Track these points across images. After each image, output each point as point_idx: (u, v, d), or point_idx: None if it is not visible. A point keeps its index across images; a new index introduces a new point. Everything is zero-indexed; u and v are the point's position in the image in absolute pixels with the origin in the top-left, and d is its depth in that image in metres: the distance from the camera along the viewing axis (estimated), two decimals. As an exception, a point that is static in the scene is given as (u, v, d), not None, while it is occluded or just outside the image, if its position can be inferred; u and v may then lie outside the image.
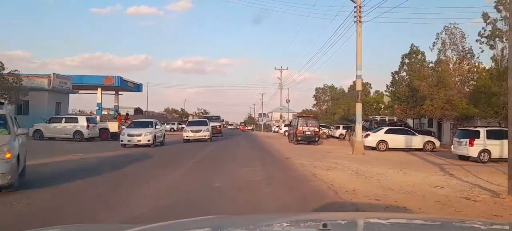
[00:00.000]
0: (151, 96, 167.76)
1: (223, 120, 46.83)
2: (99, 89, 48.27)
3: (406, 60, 34.41)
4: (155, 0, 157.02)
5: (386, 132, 26.39)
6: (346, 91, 63.50)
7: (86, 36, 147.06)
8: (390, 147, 26.06)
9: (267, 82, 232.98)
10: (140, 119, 30.50)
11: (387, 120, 29.78)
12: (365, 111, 45.32)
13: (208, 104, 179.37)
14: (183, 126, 39.90)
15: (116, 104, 53.55)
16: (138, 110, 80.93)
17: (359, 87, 23.32)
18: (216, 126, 37.32)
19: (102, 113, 47.76)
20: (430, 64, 33.06)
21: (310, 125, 31.23)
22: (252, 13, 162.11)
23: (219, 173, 12.05)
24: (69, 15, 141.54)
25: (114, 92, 53.32)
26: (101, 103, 48.69)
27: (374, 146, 25.64)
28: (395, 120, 30.04)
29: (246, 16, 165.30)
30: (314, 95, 67.79)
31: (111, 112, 54.50)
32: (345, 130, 45.72)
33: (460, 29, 28.51)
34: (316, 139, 31.18)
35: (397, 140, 26.18)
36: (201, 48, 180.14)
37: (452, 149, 20.76)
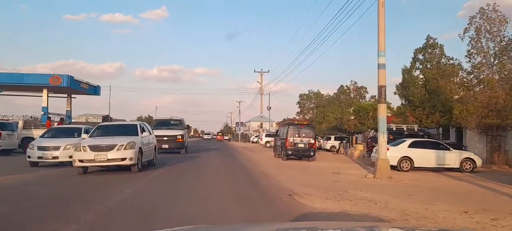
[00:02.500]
0: (125, 105, 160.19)
1: (188, 127, 31.01)
2: (44, 91, 40.01)
3: (420, 56, 27.63)
4: (130, 8, 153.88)
5: (410, 146, 19.43)
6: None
7: (60, 43, 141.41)
8: (416, 166, 19.14)
9: (244, 92, 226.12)
10: (65, 126, 22.68)
11: (405, 129, 22.85)
12: (361, 120, 38.70)
13: (184, 114, 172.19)
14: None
15: (68, 109, 45.21)
16: (106, 118, 72.54)
17: (382, 81, 16.20)
18: (174, 137, 25.26)
19: (48, 119, 39.48)
20: (452, 60, 26.41)
21: (304, 135, 24.08)
22: (229, 22, 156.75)
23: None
24: (41, 21, 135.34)
25: (66, 95, 45.11)
26: (47, 107, 40.21)
27: (395, 164, 18.64)
28: (416, 129, 23.12)
29: (223, 25, 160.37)
30: (298, 102, 60.78)
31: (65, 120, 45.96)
32: (339, 142, 38.83)
33: (501, 12, 21.90)
34: (312, 153, 24.04)
35: (425, 157, 19.25)
36: (177, 57, 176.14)
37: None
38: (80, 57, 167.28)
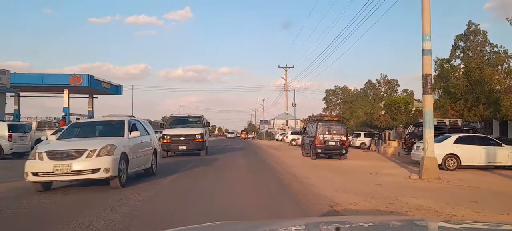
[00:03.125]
0: (149, 105, 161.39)
1: (209, 124, 26.70)
2: (65, 91, 39.27)
3: (461, 44, 25.37)
4: (155, 9, 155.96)
5: (456, 142, 17.41)
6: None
7: (86, 46, 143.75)
8: (463, 164, 17.09)
9: (268, 90, 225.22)
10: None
11: (447, 123, 20.73)
12: (392, 115, 36.51)
13: (208, 112, 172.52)
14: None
15: (90, 109, 44.48)
16: (130, 118, 72.46)
17: (428, 69, 14.28)
18: (193, 136, 21.81)
19: (63, 120, 38.64)
20: (497, 48, 24.12)
21: (334, 131, 22.25)
22: (253, 21, 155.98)
23: None
24: (67, 25, 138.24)
25: (87, 95, 44.40)
26: (68, 108, 39.63)
27: (440, 162, 16.57)
28: (459, 123, 20.97)
29: (247, 24, 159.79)
30: (324, 98, 58.55)
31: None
32: (369, 138, 36.70)
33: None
34: (344, 152, 22.21)
35: (474, 154, 17.20)
36: (201, 57, 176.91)
37: None
38: (106, 59, 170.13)
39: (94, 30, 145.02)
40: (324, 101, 58.69)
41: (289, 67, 53.73)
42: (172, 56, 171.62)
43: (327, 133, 22.23)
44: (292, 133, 48.71)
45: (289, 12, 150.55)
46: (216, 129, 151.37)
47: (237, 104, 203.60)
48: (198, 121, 23.46)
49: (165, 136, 21.84)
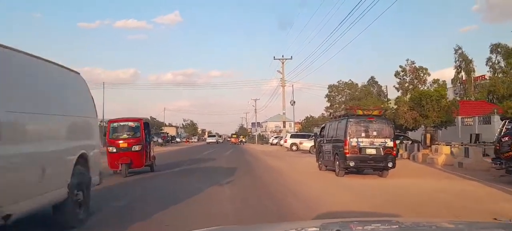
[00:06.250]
0: (141, 109, 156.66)
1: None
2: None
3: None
4: (144, 14, 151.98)
5: None
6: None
7: (75, 50, 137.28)
8: None
9: (259, 92, 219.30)
10: None
11: None
12: (422, 112, 28.74)
13: (198, 116, 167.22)
14: None
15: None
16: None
17: None
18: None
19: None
20: None
21: (375, 133, 14.21)
22: (243, 23, 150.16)
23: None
24: (55, 29, 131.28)
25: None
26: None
27: None
28: None
29: (237, 25, 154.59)
30: (326, 95, 50.41)
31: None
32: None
33: None
34: (390, 164, 14.08)
35: None
36: (191, 61, 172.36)
37: None
38: (95, 64, 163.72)
39: (84, 35, 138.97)
40: (327, 98, 50.61)
41: (286, 59, 45.58)
42: (162, 61, 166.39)
43: (363, 135, 14.14)
44: (292, 136, 40.59)
45: (282, 8, 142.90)
46: (206, 133, 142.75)
47: (228, 107, 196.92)
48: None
49: None
